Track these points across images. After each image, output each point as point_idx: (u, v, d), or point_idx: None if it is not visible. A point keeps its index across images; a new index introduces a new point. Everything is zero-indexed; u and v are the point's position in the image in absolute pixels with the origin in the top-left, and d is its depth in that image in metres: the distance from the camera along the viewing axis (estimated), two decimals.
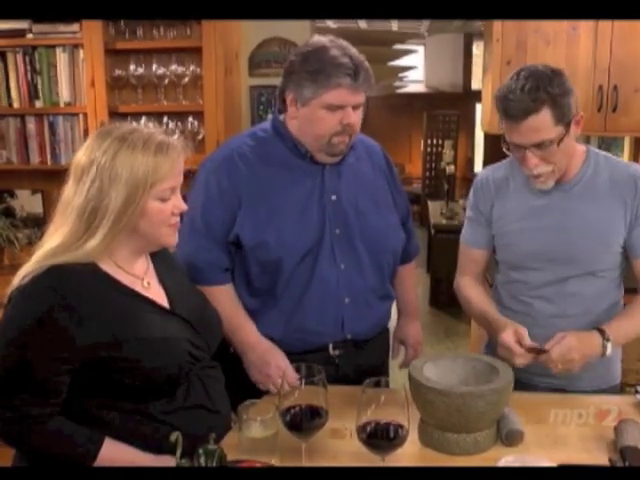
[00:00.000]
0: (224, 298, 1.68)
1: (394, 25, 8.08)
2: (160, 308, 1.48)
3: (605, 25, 2.81)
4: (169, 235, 1.47)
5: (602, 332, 1.64)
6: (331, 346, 1.84)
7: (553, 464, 1.32)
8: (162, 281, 1.54)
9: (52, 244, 1.38)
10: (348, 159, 1.84)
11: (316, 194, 1.79)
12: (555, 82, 1.60)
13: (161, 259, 1.57)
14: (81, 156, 1.40)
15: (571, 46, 2.84)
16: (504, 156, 1.83)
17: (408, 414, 1.25)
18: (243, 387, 1.76)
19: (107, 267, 1.42)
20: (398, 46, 5.76)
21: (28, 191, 3.35)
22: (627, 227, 1.74)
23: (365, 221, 1.83)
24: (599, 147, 3.93)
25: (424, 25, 8.18)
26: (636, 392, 1.67)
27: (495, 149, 3.00)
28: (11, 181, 3.34)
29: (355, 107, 1.70)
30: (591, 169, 1.76)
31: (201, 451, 1.21)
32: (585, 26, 2.83)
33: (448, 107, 9.10)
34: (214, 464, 1.19)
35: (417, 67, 6.54)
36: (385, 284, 1.92)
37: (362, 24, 7.89)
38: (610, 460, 1.34)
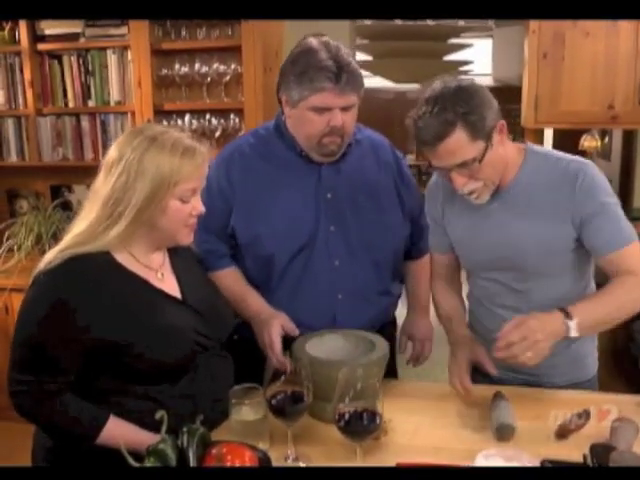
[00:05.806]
0: (227, 280, 1.71)
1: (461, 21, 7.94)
2: (171, 298, 1.56)
3: None
4: (185, 235, 1.56)
5: (564, 311, 1.53)
6: None
7: (535, 460, 1.31)
8: (176, 273, 1.62)
9: (77, 230, 1.49)
10: (350, 156, 1.84)
11: (311, 192, 1.81)
12: (461, 99, 1.52)
13: (179, 252, 1.65)
14: (112, 151, 1.49)
15: (610, 38, 2.78)
16: (573, 148, 1.76)
17: (382, 403, 1.30)
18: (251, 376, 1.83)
19: (122, 259, 1.51)
20: (453, 40, 5.69)
21: (84, 186, 3.54)
22: (576, 227, 1.64)
23: (362, 218, 1.83)
24: None
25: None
26: None
27: (565, 141, 2.96)
28: (68, 177, 3.55)
29: (345, 109, 1.70)
30: (528, 171, 1.68)
31: (185, 429, 1.27)
32: None
33: (516, 101, 8.87)
34: (195, 443, 1.26)
35: (473, 61, 6.39)
36: (384, 281, 1.91)
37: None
38: (584, 456, 1.33)
